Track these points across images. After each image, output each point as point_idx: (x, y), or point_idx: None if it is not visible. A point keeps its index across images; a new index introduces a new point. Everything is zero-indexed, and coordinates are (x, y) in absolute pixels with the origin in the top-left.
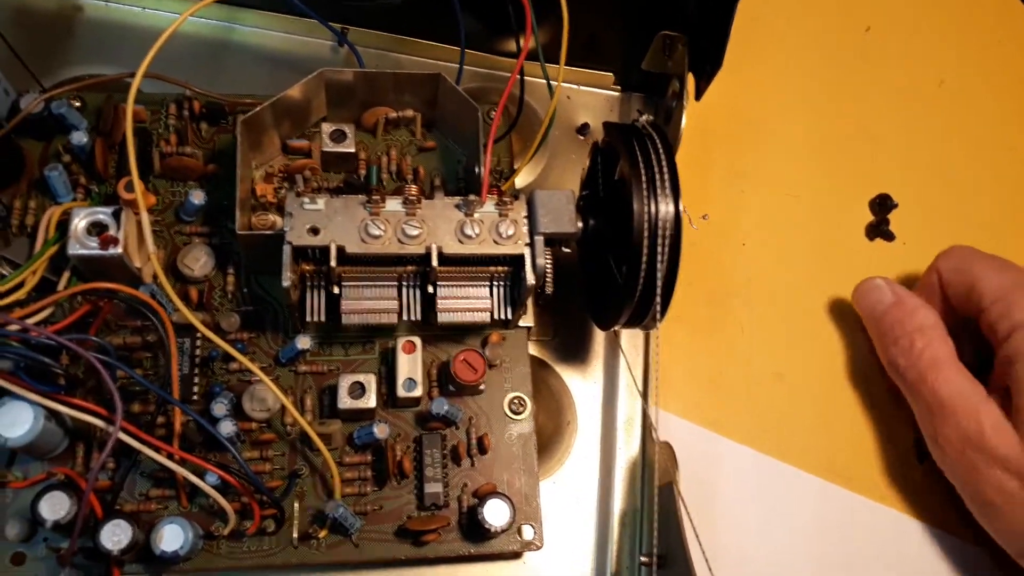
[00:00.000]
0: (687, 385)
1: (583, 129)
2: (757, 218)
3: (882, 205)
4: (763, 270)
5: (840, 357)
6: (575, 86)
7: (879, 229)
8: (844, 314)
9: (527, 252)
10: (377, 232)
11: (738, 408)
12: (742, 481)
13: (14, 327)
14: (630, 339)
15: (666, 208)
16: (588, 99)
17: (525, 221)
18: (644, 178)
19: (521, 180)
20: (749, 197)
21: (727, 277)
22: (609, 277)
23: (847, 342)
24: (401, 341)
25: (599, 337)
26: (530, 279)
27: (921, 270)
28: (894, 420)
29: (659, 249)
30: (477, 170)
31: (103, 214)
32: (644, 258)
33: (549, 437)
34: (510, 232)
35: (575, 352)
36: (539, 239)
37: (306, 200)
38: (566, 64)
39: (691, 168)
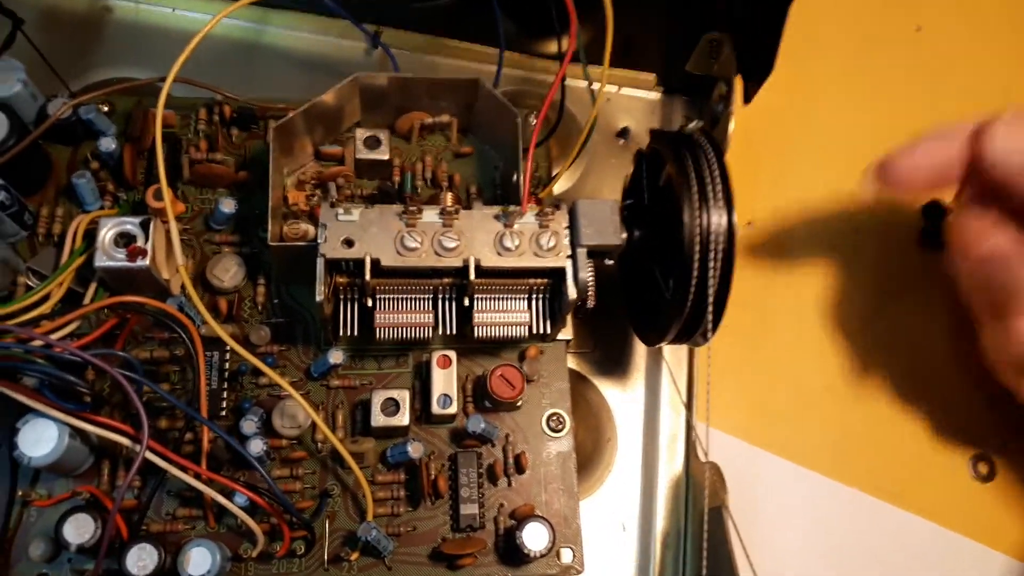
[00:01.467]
0: (732, 399)
1: (623, 133)
2: (804, 225)
3: (935, 211)
4: (811, 280)
5: (893, 370)
6: (615, 88)
7: (932, 237)
8: (896, 325)
9: (569, 265)
10: (413, 244)
11: (786, 424)
12: (790, 500)
13: (38, 343)
14: (673, 351)
15: (719, 219)
16: (628, 102)
17: (567, 232)
18: (695, 188)
19: (559, 186)
20: (795, 203)
21: (773, 286)
22: (654, 290)
23: (900, 354)
24: (436, 355)
25: (640, 349)
26: (572, 294)
27: None
28: (952, 436)
29: (711, 263)
30: (515, 177)
31: (131, 224)
32: (695, 272)
33: (588, 454)
34: (551, 244)
35: (615, 365)
36: (581, 251)
37: (340, 211)
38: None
39: (734, 172)
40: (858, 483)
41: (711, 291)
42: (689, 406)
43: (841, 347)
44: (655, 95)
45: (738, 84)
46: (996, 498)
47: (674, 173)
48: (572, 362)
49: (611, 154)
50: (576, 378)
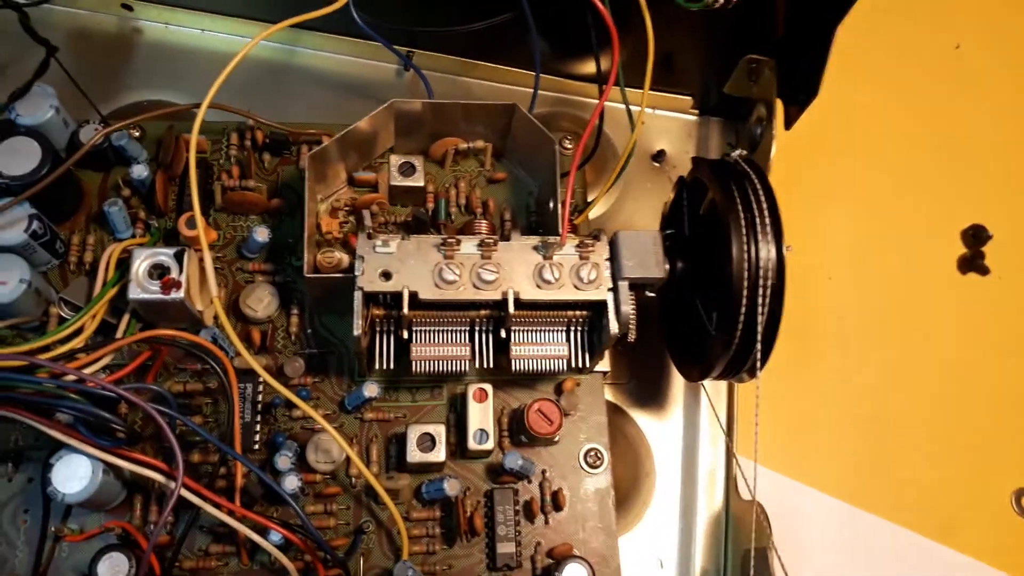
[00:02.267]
0: (771, 431)
1: (659, 156)
2: (843, 250)
3: (976, 236)
4: (851, 306)
5: (935, 400)
6: (650, 110)
7: (973, 262)
8: (937, 353)
9: (610, 299)
10: (452, 277)
11: (827, 457)
12: (832, 537)
13: (71, 377)
14: (713, 383)
15: (768, 252)
16: (664, 123)
17: (607, 264)
18: (743, 219)
19: (594, 212)
20: (835, 228)
21: (813, 314)
22: (696, 323)
23: (942, 383)
24: (472, 389)
25: (678, 380)
26: (613, 328)
27: (1018, 306)
28: (995, 470)
29: (760, 297)
30: (552, 204)
31: (165, 256)
32: (744, 307)
33: (626, 490)
34: (592, 276)
35: (653, 397)
36: (623, 284)
37: (378, 243)
38: (642, 87)
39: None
40: (903, 519)
41: (760, 327)
42: (730, 440)
43: (883, 377)
44: (691, 117)
45: (778, 107)
46: None
47: (721, 204)
48: (609, 393)
49: (647, 178)
50: (613, 410)
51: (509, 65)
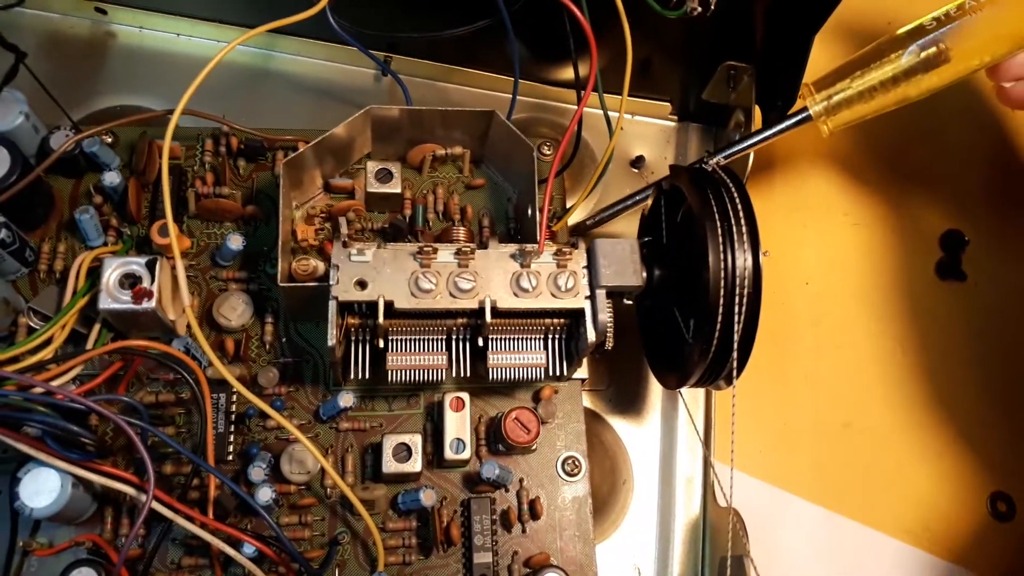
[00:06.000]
0: (748, 437)
1: (637, 162)
2: (820, 255)
3: (953, 242)
4: (828, 311)
5: (912, 404)
6: (629, 116)
7: (950, 268)
8: (915, 358)
9: (587, 307)
10: (428, 286)
11: (804, 462)
12: (810, 542)
13: (39, 390)
14: (690, 389)
15: (744, 260)
16: (643, 129)
17: (584, 272)
18: (720, 227)
19: (573, 218)
20: (812, 232)
21: (790, 319)
22: (674, 331)
23: (918, 388)
24: (449, 398)
25: (656, 386)
26: (591, 336)
27: (994, 312)
28: (972, 474)
29: (736, 306)
30: (530, 212)
31: (136, 265)
32: (720, 315)
33: (604, 497)
34: (569, 284)
35: (631, 403)
36: (600, 292)
37: (353, 251)
38: (620, 93)
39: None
40: (880, 523)
41: (736, 335)
42: (707, 447)
43: (860, 382)
44: (670, 123)
45: (756, 113)
46: (1017, 538)
47: (698, 211)
48: (587, 400)
49: (625, 183)
50: (591, 417)
51: (488, 70)
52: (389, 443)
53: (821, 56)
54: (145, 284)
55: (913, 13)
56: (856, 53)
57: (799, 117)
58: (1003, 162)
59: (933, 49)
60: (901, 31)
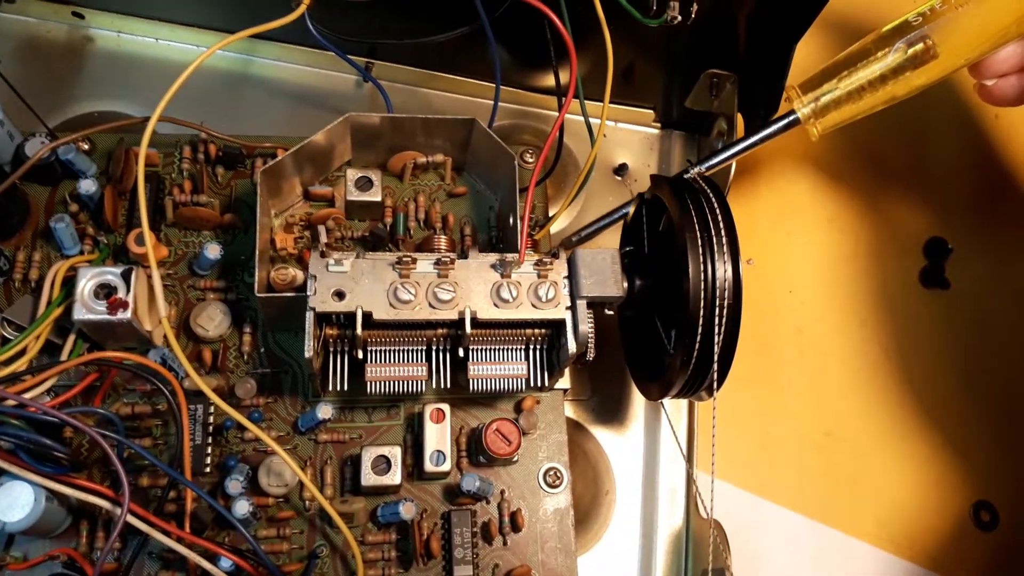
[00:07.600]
0: (731, 447)
1: (620, 170)
2: (804, 263)
3: (937, 250)
4: (811, 319)
5: (895, 412)
6: (612, 123)
7: (934, 276)
8: (898, 365)
9: (568, 317)
10: (407, 296)
11: (787, 472)
12: (792, 551)
13: (11, 403)
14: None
15: (724, 271)
16: (626, 136)
17: (565, 282)
18: (700, 238)
19: (555, 226)
20: (796, 240)
21: (773, 327)
22: (655, 342)
23: (902, 396)
24: (429, 409)
25: (640, 397)
26: (572, 348)
27: (978, 320)
28: (955, 483)
29: (717, 317)
30: (512, 220)
31: (111, 275)
32: (700, 326)
33: (586, 508)
34: (550, 295)
35: (613, 413)
36: (581, 303)
37: (331, 261)
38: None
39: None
40: (863, 533)
41: (717, 345)
42: (690, 458)
43: (843, 390)
44: (653, 130)
45: (739, 121)
46: (1000, 547)
47: (678, 222)
48: (569, 410)
49: (608, 191)
50: (573, 427)
51: (469, 77)
52: (368, 455)
53: (803, 57)
54: (121, 294)
55: (896, 10)
56: (841, 53)
57: (787, 120)
58: (987, 170)
59: (920, 45)
60: (886, 28)
